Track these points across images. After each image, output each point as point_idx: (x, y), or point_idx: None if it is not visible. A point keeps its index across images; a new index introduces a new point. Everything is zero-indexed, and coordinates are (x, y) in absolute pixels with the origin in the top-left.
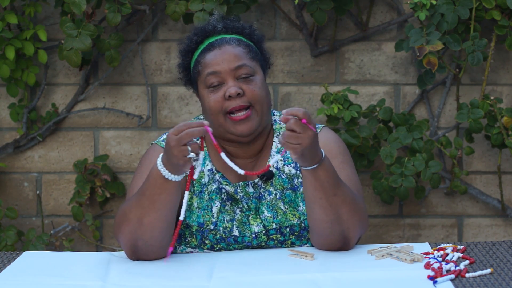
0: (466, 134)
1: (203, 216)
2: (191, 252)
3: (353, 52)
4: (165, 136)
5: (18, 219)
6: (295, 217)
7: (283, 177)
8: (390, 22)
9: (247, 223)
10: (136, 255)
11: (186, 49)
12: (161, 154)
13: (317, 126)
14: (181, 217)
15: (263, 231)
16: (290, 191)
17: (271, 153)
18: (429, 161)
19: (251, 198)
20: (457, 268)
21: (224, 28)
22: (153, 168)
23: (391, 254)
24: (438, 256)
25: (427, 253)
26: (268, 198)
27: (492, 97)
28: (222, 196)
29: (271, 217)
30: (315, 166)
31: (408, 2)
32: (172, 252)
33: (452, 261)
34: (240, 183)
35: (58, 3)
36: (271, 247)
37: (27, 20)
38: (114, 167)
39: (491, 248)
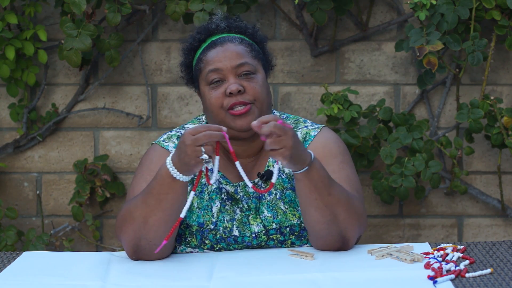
0: (466, 134)
1: (203, 216)
2: (191, 252)
3: (353, 52)
4: (165, 136)
5: (18, 219)
6: (295, 217)
7: (283, 177)
8: (390, 22)
9: (247, 223)
10: (137, 254)
11: (189, 47)
12: (171, 154)
13: (316, 126)
14: (182, 215)
15: (263, 231)
16: (290, 191)
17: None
18: (429, 161)
19: (251, 198)
20: (457, 268)
21: (227, 27)
22: (161, 167)
23: (391, 254)
24: (438, 256)
25: (427, 253)
26: (268, 198)
27: (492, 97)
28: (222, 196)
29: (271, 217)
30: (306, 167)
31: (408, 2)
32: (172, 252)
33: (452, 261)
34: (240, 183)
35: (58, 3)
36: (271, 247)
37: (27, 20)
38: (114, 167)
39: (491, 248)
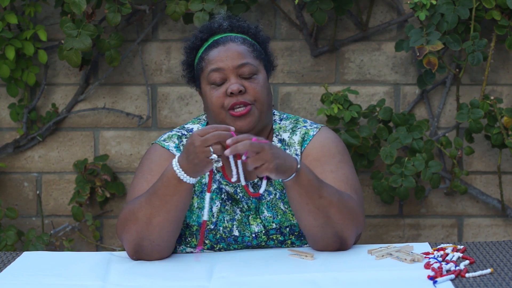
0: (466, 134)
1: (203, 216)
2: (191, 252)
3: (353, 52)
4: (165, 136)
5: (18, 219)
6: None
7: None
8: (390, 22)
9: (247, 223)
10: (138, 254)
11: (191, 46)
12: (177, 156)
13: (315, 126)
14: (205, 217)
15: (263, 231)
16: None
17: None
18: (429, 161)
19: (251, 198)
20: (457, 268)
21: (230, 27)
22: (167, 169)
23: (391, 254)
24: (438, 256)
25: (427, 253)
26: (268, 198)
27: (492, 97)
28: (222, 196)
29: (271, 217)
30: (294, 174)
31: (408, 2)
32: (172, 252)
33: (452, 261)
34: (240, 183)
35: (58, 3)
36: (271, 247)
37: (27, 20)
38: (114, 167)
39: (491, 248)
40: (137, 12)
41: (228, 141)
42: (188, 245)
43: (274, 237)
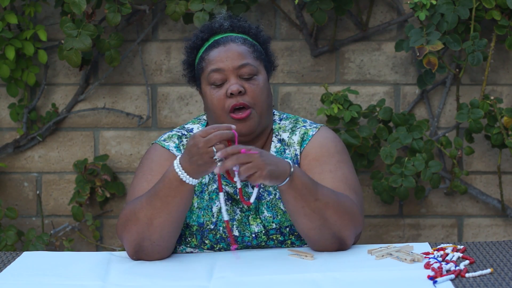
0: (466, 134)
1: (203, 216)
2: (191, 252)
3: (353, 52)
4: (166, 136)
5: (18, 219)
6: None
7: None
8: (390, 22)
9: (247, 223)
10: (139, 255)
11: (192, 45)
12: (178, 157)
13: (315, 125)
14: (226, 218)
15: (263, 231)
16: None
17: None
18: (429, 161)
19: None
20: (457, 268)
21: (231, 27)
22: (168, 170)
23: (391, 254)
24: (438, 256)
25: (427, 253)
26: (268, 198)
27: (492, 97)
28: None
29: (271, 217)
30: (288, 178)
31: (408, 2)
32: (172, 252)
33: (452, 261)
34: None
35: (58, 3)
36: (271, 247)
37: (27, 20)
38: (114, 167)
39: (491, 248)
40: (137, 12)
41: (218, 154)
42: (188, 245)
43: (274, 237)
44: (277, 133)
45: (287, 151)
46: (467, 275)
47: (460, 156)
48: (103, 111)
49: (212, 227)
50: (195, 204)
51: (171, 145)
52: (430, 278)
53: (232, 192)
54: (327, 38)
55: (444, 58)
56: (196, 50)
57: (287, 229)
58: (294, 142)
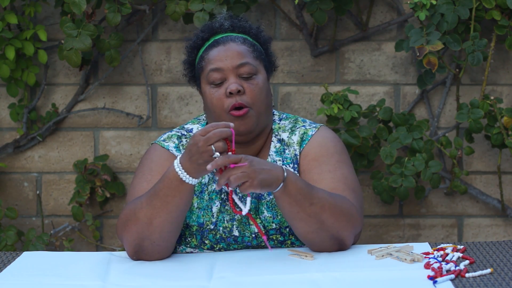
0: (466, 134)
1: (203, 216)
2: (191, 252)
3: (353, 52)
4: (165, 136)
5: (18, 219)
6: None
7: None
8: (390, 22)
9: (247, 223)
10: (139, 255)
11: (192, 45)
12: (179, 157)
13: (314, 125)
14: (245, 211)
15: (263, 231)
16: None
17: (270, 153)
18: (429, 161)
19: (251, 198)
20: (457, 268)
21: (231, 27)
22: (169, 170)
23: (391, 254)
24: (438, 256)
25: (427, 253)
26: (268, 198)
27: (492, 97)
28: (222, 196)
29: (270, 217)
30: (282, 184)
31: (408, 2)
32: (172, 252)
33: (452, 261)
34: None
35: (58, 3)
36: (271, 247)
37: (27, 20)
38: (114, 167)
39: (491, 248)
40: (137, 12)
41: (208, 167)
42: (188, 245)
43: (274, 237)
44: (276, 133)
45: (286, 151)
46: (467, 275)
47: (460, 156)
48: (103, 111)
49: (212, 227)
50: (195, 204)
51: (170, 145)
52: (430, 278)
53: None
54: (327, 38)
55: (444, 58)
56: (196, 49)
57: (287, 229)
58: (294, 142)
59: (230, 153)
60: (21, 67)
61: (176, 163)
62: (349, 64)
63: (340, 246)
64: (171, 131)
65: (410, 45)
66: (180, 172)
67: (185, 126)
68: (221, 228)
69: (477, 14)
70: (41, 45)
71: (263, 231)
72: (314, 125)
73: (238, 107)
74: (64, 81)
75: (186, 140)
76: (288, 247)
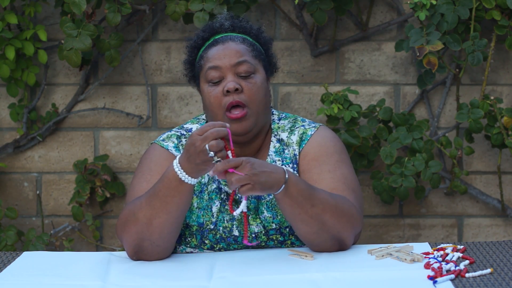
0: (466, 134)
1: (203, 216)
2: (191, 252)
3: (353, 52)
4: (164, 135)
5: (18, 219)
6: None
7: None
8: (390, 22)
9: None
10: (139, 255)
11: (193, 45)
12: (178, 156)
13: (314, 125)
14: (236, 213)
15: (263, 231)
16: None
17: (269, 153)
18: (429, 161)
19: (250, 198)
20: (457, 268)
21: (231, 27)
22: (168, 170)
23: (391, 254)
24: (438, 256)
25: (427, 253)
26: (268, 198)
27: (492, 97)
28: (222, 195)
29: (270, 217)
30: (283, 186)
31: (408, 2)
32: (172, 252)
33: (452, 261)
34: None
35: (58, 3)
36: (271, 247)
37: (27, 20)
38: (114, 167)
39: (491, 248)
40: (137, 12)
41: (210, 173)
42: (188, 245)
43: (274, 238)
44: (276, 133)
45: (286, 151)
46: (467, 275)
47: (460, 156)
48: (103, 111)
49: (212, 227)
50: (195, 204)
51: (170, 145)
52: (430, 278)
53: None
54: (327, 38)
55: (444, 58)
56: (197, 49)
57: (287, 229)
58: (293, 142)
59: (229, 152)
60: (21, 67)
61: (175, 163)
62: (349, 64)
63: (340, 246)
64: (170, 131)
65: (410, 45)
66: (179, 172)
67: (185, 126)
68: (221, 228)
69: (477, 14)
70: (41, 45)
71: (248, 234)
72: (314, 125)
73: (235, 105)
74: (64, 81)
75: (186, 140)
76: (288, 247)
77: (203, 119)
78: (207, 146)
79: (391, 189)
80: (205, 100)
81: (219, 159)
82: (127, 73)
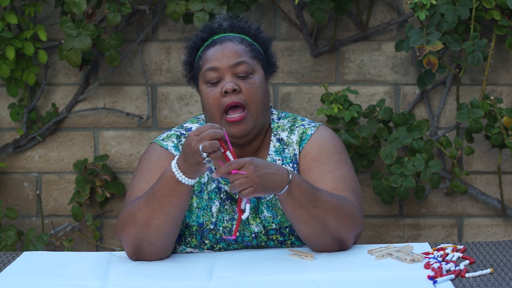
0: (466, 134)
1: (202, 216)
2: (191, 252)
3: (353, 52)
4: (164, 135)
5: (18, 219)
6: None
7: None
8: (390, 22)
9: (247, 223)
10: (138, 255)
11: (192, 45)
12: (176, 157)
13: (313, 124)
14: (244, 216)
15: (263, 231)
16: None
17: (269, 152)
18: (429, 161)
19: (250, 198)
20: (457, 268)
21: (230, 27)
22: (166, 170)
23: (391, 254)
24: (438, 256)
25: (427, 253)
26: (268, 198)
27: (492, 97)
28: (221, 195)
29: (270, 217)
30: (287, 186)
31: (408, 2)
32: (172, 252)
33: (452, 261)
34: None
35: (58, 3)
36: (271, 247)
37: (27, 20)
38: (114, 167)
39: (491, 248)
40: (137, 12)
41: (213, 175)
42: (188, 245)
43: (274, 238)
44: (275, 132)
45: (286, 151)
46: (467, 275)
47: (460, 156)
48: (103, 111)
49: (211, 227)
50: (194, 204)
51: (169, 144)
52: (430, 278)
53: (231, 191)
54: (327, 38)
55: (444, 58)
56: (196, 50)
57: (287, 229)
58: (293, 142)
59: (228, 153)
60: (21, 67)
61: (174, 163)
62: (349, 64)
63: (341, 246)
64: (170, 130)
65: (410, 45)
66: (176, 172)
67: (184, 125)
68: (221, 228)
69: (477, 14)
70: (41, 45)
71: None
72: (313, 124)
73: (234, 106)
74: (64, 81)
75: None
76: (288, 247)
77: (203, 119)
78: (200, 147)
79: (391, 189)
80: (203, 101)
81: (210, 159)
82: (127, 73)
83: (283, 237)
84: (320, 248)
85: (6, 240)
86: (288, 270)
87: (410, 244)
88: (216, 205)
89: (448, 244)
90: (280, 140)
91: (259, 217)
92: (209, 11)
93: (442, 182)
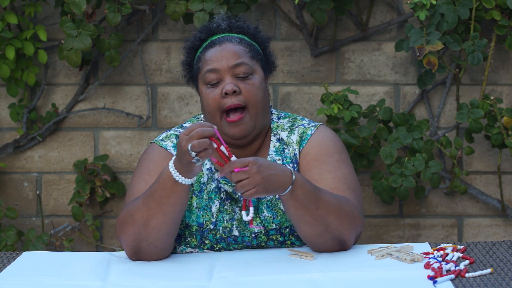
0: (466, 134)
1: (202, 216)
2: (191, 252)
3: (353, 52)
4: (163, 135)
5: (18, 219)
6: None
7: None
8: (390, 22)
9: (247, 223)
10: (137, 255)
11: (190, 46)
12: (174, 157)
13: (313, 124)
14: (247, 219)
15: (263, 231)
16: None
17: (269, 152)
18: (429, 161)
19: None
20: (457, 268)
21: (228, 27)
22: (164, 170)
23: (391, 254)
24: (438, 256)
25: (427, 253)
26: (268, 198)
27: (492, 97)
28: (221, 195)
29: (270, 217)
30: (290, 187)
31: (408, 2)
32: (172, 252)
33: (452, 261)
34: None
35: (58, 3)
36: (271, 247)
37: (27, 20)
38: (114, 167)
39: (491, 248)
40: (137, 12)
41: (217, 175)
42: (188, 245)
43: (274, 238)
44: (275, 132)
45: (286, 151)
46: (467, 275)
47: (460, 156)
48: (103, 111)
49: (211, 227)
50: (194, 204)
51: (169, 144)
52: (430, 278)
53: (230, 191)
54: (327, 38)
55: (444, 58)
56: (194, 50)
57: (287, 229)
58: (293, 142)
59: (222, 147)
60: (21, 67)
61: (171, 163)
62: (349, 64)
63: (342, 247)
64: (169, 130)
65: (410, 45)
66: (173, 172)
67: (184, 125)
68: (221, 228)
69: (477, 14)
70: (41, 45)
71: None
72: (313, 124)
73: (235, 109)
74: (64, 81)
75: None
76: (288, 247)
77: (203, 119)
78: (189, 146)
79: (391, 189)
80: (203, 102)
81: (198, 158)
82: (127, 73)
83: (283, 237)
84: (321, 248)
85: (6, 240)
86: (288, 270)
87: (410, 244)
88: (216, 205)
89: (448, 244)
90: (280, 140)
91: (259, 217)
92: (209, 11)
93: (442, 182)
